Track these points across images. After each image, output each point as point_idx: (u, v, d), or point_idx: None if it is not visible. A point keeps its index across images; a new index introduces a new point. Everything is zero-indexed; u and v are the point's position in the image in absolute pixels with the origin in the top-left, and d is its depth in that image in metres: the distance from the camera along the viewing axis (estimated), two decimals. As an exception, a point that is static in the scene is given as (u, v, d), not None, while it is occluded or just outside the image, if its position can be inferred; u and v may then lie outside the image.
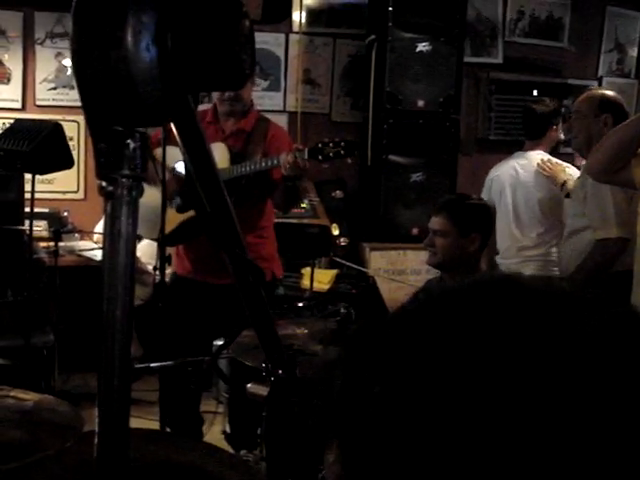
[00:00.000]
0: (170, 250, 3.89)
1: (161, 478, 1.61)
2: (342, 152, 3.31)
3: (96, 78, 0.53)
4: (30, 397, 1.86)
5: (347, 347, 0.59)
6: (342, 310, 1.99)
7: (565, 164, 4.27)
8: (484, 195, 4.41)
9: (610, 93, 3.88)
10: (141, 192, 0.55)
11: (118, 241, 0.54)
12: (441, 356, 0.52)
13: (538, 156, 4.29)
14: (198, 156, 0.67)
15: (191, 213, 3.48)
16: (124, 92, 0.51)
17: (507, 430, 0.48)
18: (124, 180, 0.54)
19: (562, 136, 4.40)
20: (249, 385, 1.23)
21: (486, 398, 0.50)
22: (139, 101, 0.51)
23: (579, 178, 3.76)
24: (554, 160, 4.28)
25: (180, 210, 3.51)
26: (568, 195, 3.70)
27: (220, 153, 3.52)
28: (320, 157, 3.30)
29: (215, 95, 3.62)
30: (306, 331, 2.02)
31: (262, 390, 1.16)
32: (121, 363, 0.54)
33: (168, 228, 3.52)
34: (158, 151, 3.28)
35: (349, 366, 0.57)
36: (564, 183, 4.10)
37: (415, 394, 0.52)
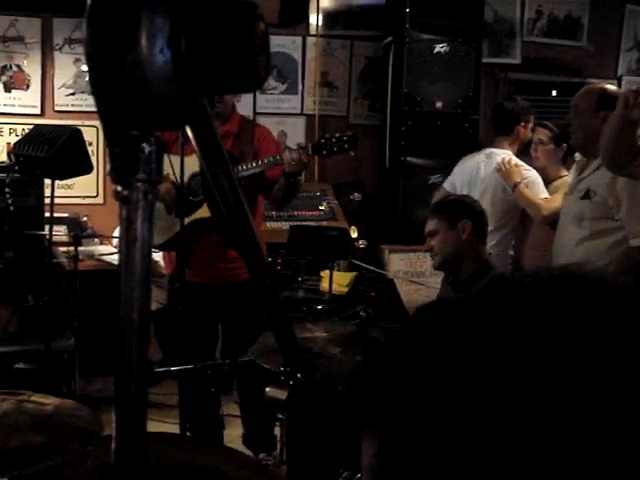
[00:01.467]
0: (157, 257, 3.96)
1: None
2: (346, 146, 3.37)
3: (110, 82, 0.52)
4: (50, 401, 1.86)
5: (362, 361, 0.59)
6: (361, 313, 1.99)
7: (526, 167, 4.26)
8: (446, 186, 4.52)
9: (610, 88, 3.80)
10: (157, 196, 0.55)
11: (134, 245, 0.54)
12: (466, 354, 0.51)
13: (502, 155, 4.30)
14: (214, 160, 0.67)
15: (191, 218, 3.52)
16: (138, 96, 0.51)
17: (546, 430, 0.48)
18: (140, 184, 0.53)
19: (531, 135, 4.45)
20: (267, 389, 1.23)
21: (516, 398, 0.49)
22: (154, 104, 0.51)
23: (597, 176, 3.66)
24: (514, 161, 4.27)
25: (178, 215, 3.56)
26: (588, 196, 3.63)
27: None
28: (324, 152, 3.38)
29: None
30: (325, 334, 2.02)
31: (281, 394, 1.16)
32: (138, 367, 0.54)
33: (167, 236, 3.58)
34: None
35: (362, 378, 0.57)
36: (516, 185, 4.09)
37: (449, 390, 0.51)
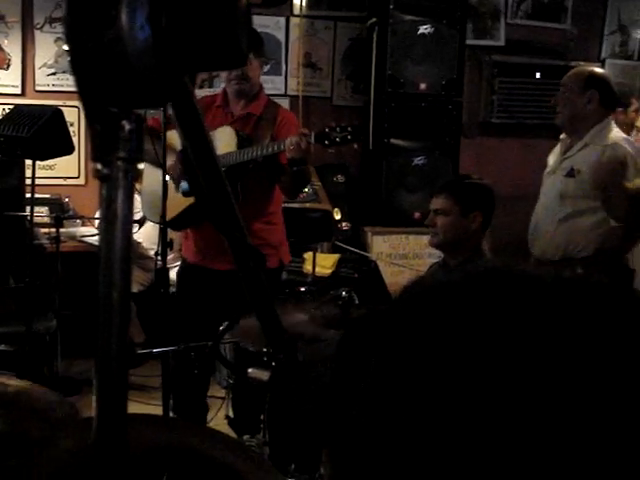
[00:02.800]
0: (173, 235, 3.87)
1: (161, 462, 1.61)
2: (349, 137, 3.29)
3: (90, 58, 0.52)
4: (14, 383, 1.80)
5: (339, 343, 0.57)
6: (343, 294, 1.98)
7: None
8: None
9: (598, 70, 3.86)
10: (137, 175, 0.54)
11: (114, 224, 0.53)
12: (432, 351, 0.51)
13: None
14: (196, 138, 0.66)
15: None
16: (118, 72, 0.50)
17: (503, 428, 0.47)
18: (120, 162, 0.53)
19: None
20: (250, 370, 1.23)
21: (478, 394, 0.48)
22: (134, 81, 0.50)
23: (582, 155, 3.68)
24: None
25: (186, 194, 3.47)
26: (572, 174, 3.64)
27: (227, 137, 3.50)
28: (327, 142, 3.29)
29: (223, 76, 3.60)
30: (307, 316, 2.02)
31: (264, 375, 1.15)
32: (118, 346, 0.53)
33: (174, 212, 3.50)
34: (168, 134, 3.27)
35: (339, 364, 0.56)
36: None
37: (405, 390, 0.50)
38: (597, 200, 3.59)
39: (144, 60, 0.49)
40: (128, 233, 0.54)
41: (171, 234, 3.57)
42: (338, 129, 3.29)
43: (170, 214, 3.37)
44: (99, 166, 0.52)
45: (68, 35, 0.53)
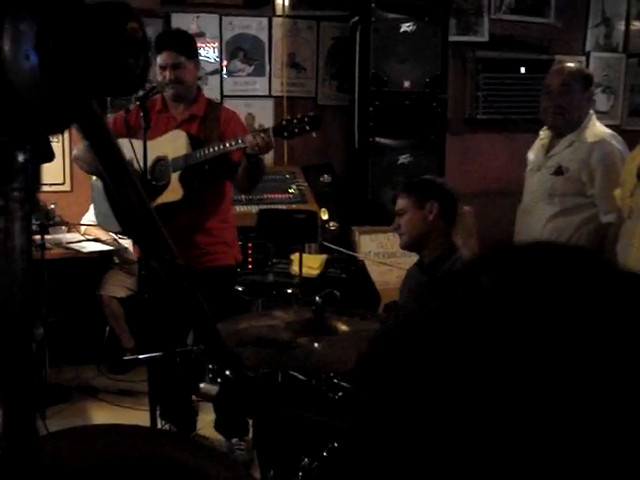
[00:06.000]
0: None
1: (135, 473, 1.60)
2: (307, 127, 3.35)
3: (-26, 90, 0.51)
4: None
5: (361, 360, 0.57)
6: (317, 299, 1.98)
7: None
8: None
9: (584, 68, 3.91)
10: (35, 206, 0.53)
11: (12, 257, 0.52)
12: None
13: None
14: (110, 162, 0.65)
15: (156, 202, 3.49)
16: (5, 102, 0.49)
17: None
18: (15, 193, 0.52)
19: None
20: (202, 385, 1.23)
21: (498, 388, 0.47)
22: (22, 111, 0.49)
23: (569, 153, 3.66)
24: None
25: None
26: (560, 172, 3.64)
27: (179, 139, 3.54)
28: (285, 134, 3.36)
29: (158, 80, 3.62)
30: (280, 322, 2.02)
31: (213, 390, 1.15)
32: (24, 388, 0.52)
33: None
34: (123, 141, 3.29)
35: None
36: None
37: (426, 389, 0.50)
38: (586, 197, 3.60)
39: (31, 89, 0.48)
40: (27, 265, 0.53)
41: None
42: (295, 120, 3.35)
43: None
44: (-6, 198, 0.51)
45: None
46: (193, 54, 3.67)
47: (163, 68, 3.57)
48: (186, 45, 3.64)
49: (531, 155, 3.94)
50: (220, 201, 3.73)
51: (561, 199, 3.64)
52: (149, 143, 3.41)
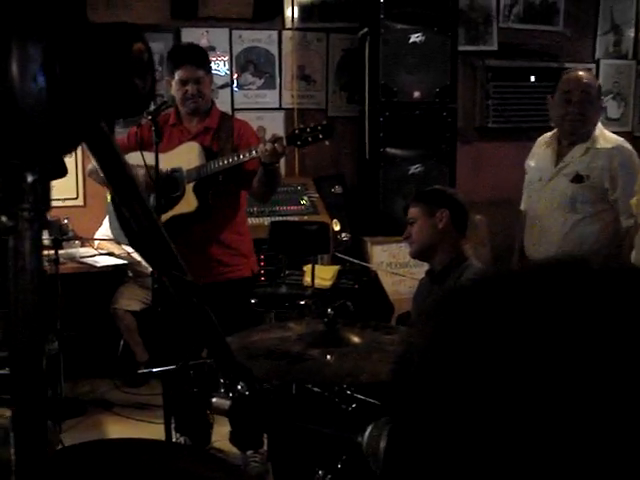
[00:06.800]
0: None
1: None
2: (320, 135, 3.35)
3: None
4: None
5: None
6: (329, 311, 1.98)
7: None
8: None
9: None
10: (44, 225, 0.54)
11: (23, 277, 0.53)
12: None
13: None
14: (119, 180, 0.66)
15: (170, 214, 3.51)
16: (12, 125, 0.50)
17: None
18: (25, 214, 0.53)
19: None
20: (214, 399, 1.23)
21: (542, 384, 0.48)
22: (30, 133, 0.50)
23: (586, 160, 3.65)
24: None
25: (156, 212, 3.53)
26: (580, 179, 3.60)
27: (193, 151, 3.57)
28: (299, 142, 3.37)
29: (177, 95, 3.64)
30: (293, 334, 2.02)
31: (225, 404, 1.16)
32: (36, 399, 0.53)
33: None
34: (133, 155, 3.32)
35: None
36: None
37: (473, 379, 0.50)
38: (607, 203, 3.59)
39: (39, 111, 0.49)
40: (38, 285, 0.53)
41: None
42: (308, 129, 3.36)
43: None
44: (4, 219, 0.52)
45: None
46: (209, 68, 3.72)
47: (184, 83, 3.59)
48: (204, 59, 3.68)
49: (532, 163, 3.91)
50: (235, 213, 3.74)
51: (583, 206, 3.62)
52: (163, 156, 3.43)
